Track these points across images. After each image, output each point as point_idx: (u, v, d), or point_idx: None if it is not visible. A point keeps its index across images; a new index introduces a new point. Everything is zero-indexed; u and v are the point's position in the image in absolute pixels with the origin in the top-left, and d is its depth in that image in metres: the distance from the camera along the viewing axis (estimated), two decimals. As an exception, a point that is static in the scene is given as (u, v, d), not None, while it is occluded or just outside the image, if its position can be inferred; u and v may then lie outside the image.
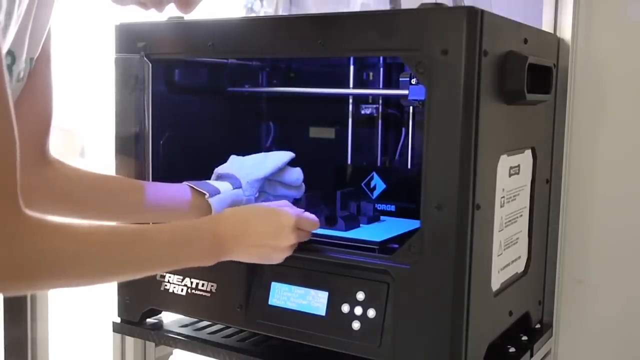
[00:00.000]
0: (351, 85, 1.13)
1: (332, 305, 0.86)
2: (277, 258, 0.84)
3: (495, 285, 0.87)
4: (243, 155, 1.02)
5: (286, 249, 0.83)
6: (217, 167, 0.99)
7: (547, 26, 1.07)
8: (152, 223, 0.83)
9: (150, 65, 0.97)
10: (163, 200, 0.93)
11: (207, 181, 0.96)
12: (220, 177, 0.98)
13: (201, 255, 0.80)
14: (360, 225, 0.98)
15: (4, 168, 0.58)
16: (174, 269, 0.88)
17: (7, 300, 1.33)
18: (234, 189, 0.95)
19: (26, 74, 0.77)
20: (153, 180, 0.98)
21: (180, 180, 0.95)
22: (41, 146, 0.85)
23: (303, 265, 0.89)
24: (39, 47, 0.78)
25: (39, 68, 0.80)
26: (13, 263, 0.60)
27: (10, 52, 0.71)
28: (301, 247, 0.85)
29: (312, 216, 0.86)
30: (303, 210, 0.87)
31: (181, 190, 0.94)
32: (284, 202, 0.92)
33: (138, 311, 1.02)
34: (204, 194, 0.92)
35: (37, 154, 0.85)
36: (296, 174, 1.00)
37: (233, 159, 1.01)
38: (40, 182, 0.84)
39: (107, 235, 0.71)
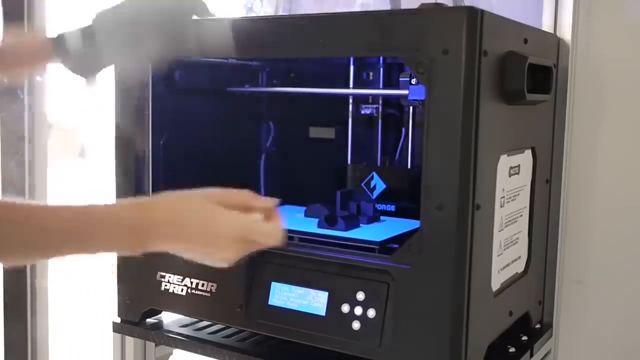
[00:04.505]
0: (351, 85, 1.13)
1: (332, 305, 0.86)
2: (215, 264, 0.73)
3: (495, 285, 0.87)
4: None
5: (225, 260, 0.72)
6: (217, 167, 0.99)
7: (547, 26, 1.07)
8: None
9: (150, 65, 0.97)
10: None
11: None
12: None
13: (115, 243, 0.70)
14: (360, 225, 0.98)
15: None
16: (78, 254, 0.71)
17: (7, 300, 1.33)
18: None
19: None
20: (153, 181, 0.98)
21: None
22: None
23: (303, 265, 0.89)
24: None
25: None
26: None
27: None
28: (301, 247, 0.85)
29: (274, 225, 0.73)
30: (269, 207, 0.75)
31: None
32: (245, 193, 0.76)
33: (138, 311, 1.02)
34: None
35: None
36: None
37: None
38: None
39: (20, 209, 0.64)
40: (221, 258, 0.73)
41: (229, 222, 0.71)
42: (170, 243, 0.72)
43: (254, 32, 0.90)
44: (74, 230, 0.67)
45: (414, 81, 0.94)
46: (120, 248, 0.73)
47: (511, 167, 0.88)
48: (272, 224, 0.75)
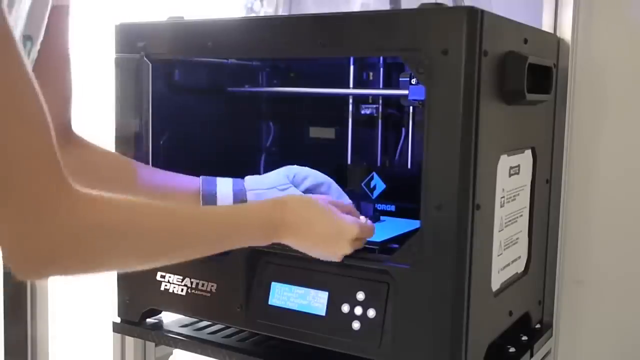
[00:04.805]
0: (351, 85, 1.13)
1: (332, 305, 0.86)
2: (327, 258, 0.84)
3: (495, 285, 0.87)
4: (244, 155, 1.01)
5: (339, 256, 0.83)
6: (217, 167, 0.99)
7: (547, 26, 1.07)
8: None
9: (150, 65, 0.97)
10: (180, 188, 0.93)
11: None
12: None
13: (254, 237, 0.80)
14: (360, 225, 0.98)
15: (46, 142, 0.56)
16: (225, 250, 0.82)
17: (7, 300, 1.33)
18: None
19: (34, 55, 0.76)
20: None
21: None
22: (65, 125, 0.85)
23: (303, 265, 0.89)
24: (42, 25, 0.76)
25: (53, 46, 0.79)
26: (63, 240, 0.58)
27: (28, 37, 0.70)
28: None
29: (371, 225, 0.86)
30: (365, 218, 0.88)
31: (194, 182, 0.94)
32: (349, 205, 0.91)
33: (138, 311, 1.02)
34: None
35: (62, 132, 0.83)
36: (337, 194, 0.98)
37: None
38: (72, 160, 0.83)
39: (163, 210, 0.69)
40: (336, 254, 0.83)
41: (351, 226, 0.82)
42: (297, 238, 0.81)
43: (254, 32, 0.90)
44: (228, 227, 0.77)
45: (414, 81, 0.94)
46: (256, 241, 0.81)
47: (511, 167, 0.88)
48: (369, 222, 0.87)
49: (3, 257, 0.58)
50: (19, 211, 0.56)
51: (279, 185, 0.95)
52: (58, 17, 0.79)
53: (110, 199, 0.62)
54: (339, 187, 0.97)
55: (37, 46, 0.74)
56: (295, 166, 0.98)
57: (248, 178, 0.98)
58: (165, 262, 0.74)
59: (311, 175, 0.97)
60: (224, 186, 0.94)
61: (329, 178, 0.98)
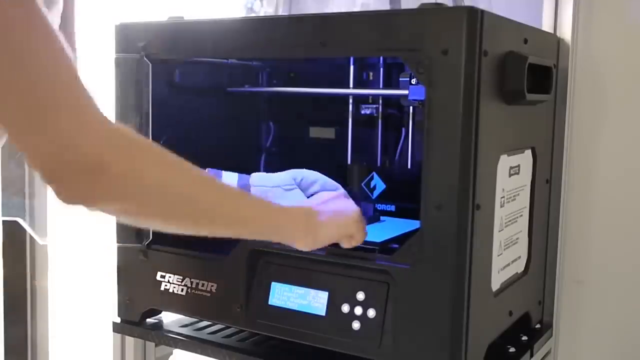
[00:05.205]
0: (351, 85, 1.13)
1: (332, 305, 0.86)
2: (348, 245, 0.84)
3: (495, 285, 0.87)
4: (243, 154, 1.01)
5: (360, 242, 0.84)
6: (217, 167, 1.00)
7: (547, 26, 1.07)
8: None
9: (150, 65, 0.97)
10: None
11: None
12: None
13: (296, 227, 0.79)
14: (360, 225, 0.98)
15: (77, 84, 0.58)
16: (263, 237, 0.83)
17: (7, 300, 1.33)
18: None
19: None
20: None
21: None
22: None
23: (303, 265, 0.89)
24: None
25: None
26: (107, 148, 0.59)
27: None
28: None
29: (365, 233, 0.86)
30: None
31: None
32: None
33: (138, 311, 1.02)
34: None
35: None
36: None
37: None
38: None
39: (206, 176, 0.72)
40: (358, 241, 0.84)
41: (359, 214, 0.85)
42: (333, 228, 0.82)
43: (254, 32, 0.90)
44: (270, 212, 0.78)
45: (414, 81, 0.94)
46: (294, 233, 0.80)
47: (511, 167, 0.88)
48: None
49: (52, 186, 0.59)
50: (60, 131, 0.57)
51: (284, 185, 0.96)
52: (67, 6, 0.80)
53: (159, 150, 0.66)
54: (346, 194, 0.97)
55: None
56: (305, 170, 0.98)
57: (255, 175, 0.98)
58: (198, 230, 0.74)
59: (319, 181, 0.97)
60: (229, 179, 0.95)
61: (337, 184, 0.98)
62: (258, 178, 0.97)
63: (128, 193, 0.62)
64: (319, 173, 0.98)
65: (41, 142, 0.57)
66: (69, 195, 0.60)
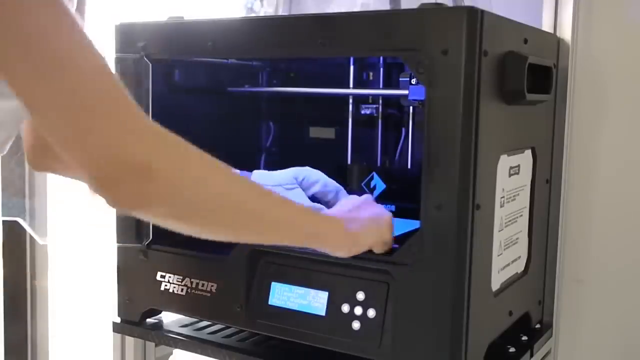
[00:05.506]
0: (351, 85, 1.13)
1: (332, 305, 0.86)
2: (379, 251, 0.84)
3: (495, 285, 0.87)
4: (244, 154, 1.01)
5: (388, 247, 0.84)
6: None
7: (547, 26, 1.07)
8: None
9: (150, 65, 0.97)
10: None
11: None
12: None
13: (336, 235, 0.78)
14: (360, 225, 0.97)
15: (119, 88, 0.58)
16: (300, 244, 0.83)
17: (7, 300, 1.33)
18: None
19: None
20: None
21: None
22: None
23: (303, 265, 0.89)
24: None
25: None
26: (154, 145, 0.59)
27: None
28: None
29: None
30: None
31: None
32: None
33: (138, 311, 1.02)
34: None
35: None
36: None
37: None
38: None
39: (251, 182, 0.74)
40: (390, 246, 0.84)
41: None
42: (371, 235, 0.81)
43: (254, 32, 0.90)
44: (310, 219, 0.77)
45: (414, 81, 0.94)
46: (335, 240, 0.79)
47: (511, 167, 0.88)
48: None
49: (97, 189, 0.59)
50: (110, 136, 0.57)
51: (286, 184, 0.95)
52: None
53: (199, 153, 0.66)
54: (348, 195, 0.97)
55: None
56: (307, 168, 0.98)
57: (256, 172, 0.98)
58: (242, 237, 0.75)
59: (321, 181, 0.96)
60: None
61: (338, 185, 0.98)
62: (259, 176, 0.97)
63: (176, 197, 0.62)
64: (320, 172, 0.98)
65: (91, 149, 0.57)
66: (119, 200, 0.60)
